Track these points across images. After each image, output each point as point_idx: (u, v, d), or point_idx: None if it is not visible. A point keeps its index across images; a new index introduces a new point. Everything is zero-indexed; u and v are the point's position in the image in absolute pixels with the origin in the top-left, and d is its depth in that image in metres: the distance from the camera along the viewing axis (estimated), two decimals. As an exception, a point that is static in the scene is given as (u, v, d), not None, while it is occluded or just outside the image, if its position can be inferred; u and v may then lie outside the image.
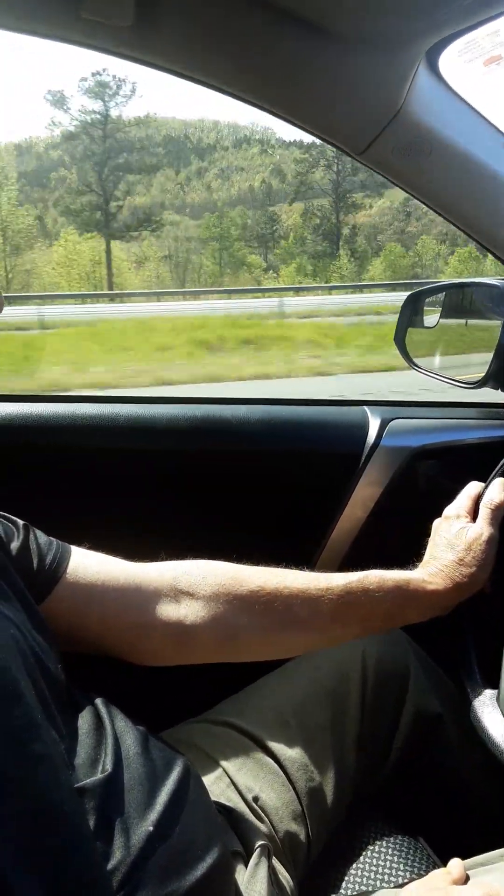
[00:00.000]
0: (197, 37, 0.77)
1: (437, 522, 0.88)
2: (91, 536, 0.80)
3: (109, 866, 0.51)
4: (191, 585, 0.76)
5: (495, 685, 0.75)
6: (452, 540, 0.82)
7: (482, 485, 0.88)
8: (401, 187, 0.95)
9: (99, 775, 0.56)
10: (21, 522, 0.73)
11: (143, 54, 0.79)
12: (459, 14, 0.73)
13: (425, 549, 0.86)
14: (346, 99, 0.84)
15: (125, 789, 0.57)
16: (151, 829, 0.55)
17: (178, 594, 0.75)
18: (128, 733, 0.62)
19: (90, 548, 0.77)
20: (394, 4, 0.72)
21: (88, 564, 0.74)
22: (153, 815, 0.56)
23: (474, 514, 0.85)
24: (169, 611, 0.75)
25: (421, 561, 0.84)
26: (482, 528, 0.81)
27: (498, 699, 0.74)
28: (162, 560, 0.79)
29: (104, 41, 0.77)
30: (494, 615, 0.79)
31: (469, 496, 0.87)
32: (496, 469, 0.86)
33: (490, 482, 0.86)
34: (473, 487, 0.88)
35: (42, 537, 0.74)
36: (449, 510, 0.88)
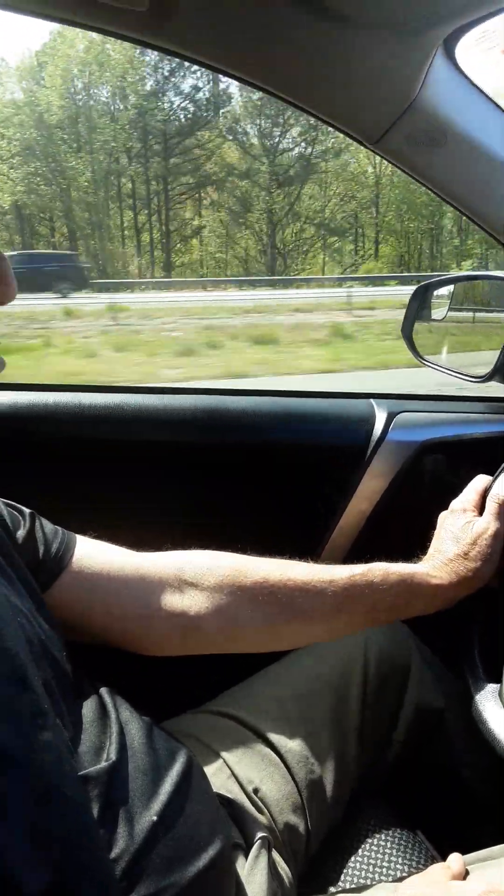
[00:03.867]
0: (211, 23, 0.76)
1: (442, 516, 0.88)
2: (96, 526, 0.80)
3: (113, 854, 0.51)
4: (195, 576, 0.76)
5: (498, 680, 0.75)
6: (458, 534, 0.82)
7: (490, 479, 0.87)
8: (414, 178, 0.94)
9: (103, 763, 0.56)
10: (27, 511, 0.73)
11: (157, 40, 0.78)
12: (478, 1, 0.72)
13: (430, 542, 0.86)
14: (361, 87, 0.82)
15: (129, 778, 0.57)
16: (155, 818, 0.55)
17: (182, 584, 0.75)
18: (132, 723, 0.62)
19: (95, 537, 0.77)
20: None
21: (93, 554, 0.74)
22: (157, 805, 0.56)
23: (481, 508, 0.85)
24: (173, 601, 0.74)
25: (426, 554, 0.84)
26: (488, 523, 0.81)
27: (500, 694, 0.74)
28: (167, 550, 0.79)
29: (120, 26, 0.76)
30: (499, 610, 0.79)
31: (476, 490, 0.87)
32: None
33: (497, 476, 0.86)
34: (480, 481, 0.88)
35: (48, 526, 0.74)
36: (455, 504, 0.87)
